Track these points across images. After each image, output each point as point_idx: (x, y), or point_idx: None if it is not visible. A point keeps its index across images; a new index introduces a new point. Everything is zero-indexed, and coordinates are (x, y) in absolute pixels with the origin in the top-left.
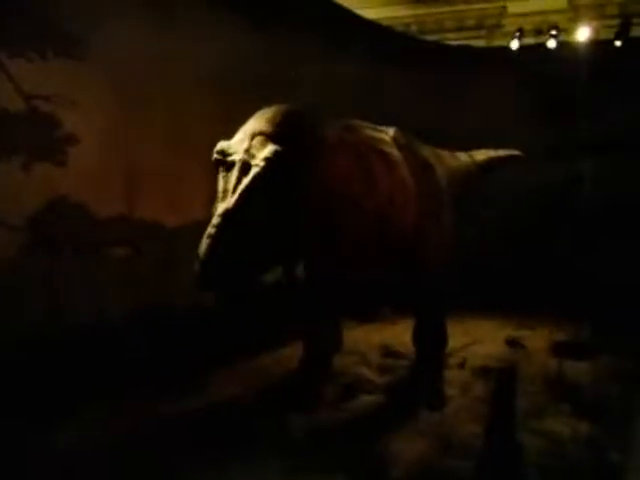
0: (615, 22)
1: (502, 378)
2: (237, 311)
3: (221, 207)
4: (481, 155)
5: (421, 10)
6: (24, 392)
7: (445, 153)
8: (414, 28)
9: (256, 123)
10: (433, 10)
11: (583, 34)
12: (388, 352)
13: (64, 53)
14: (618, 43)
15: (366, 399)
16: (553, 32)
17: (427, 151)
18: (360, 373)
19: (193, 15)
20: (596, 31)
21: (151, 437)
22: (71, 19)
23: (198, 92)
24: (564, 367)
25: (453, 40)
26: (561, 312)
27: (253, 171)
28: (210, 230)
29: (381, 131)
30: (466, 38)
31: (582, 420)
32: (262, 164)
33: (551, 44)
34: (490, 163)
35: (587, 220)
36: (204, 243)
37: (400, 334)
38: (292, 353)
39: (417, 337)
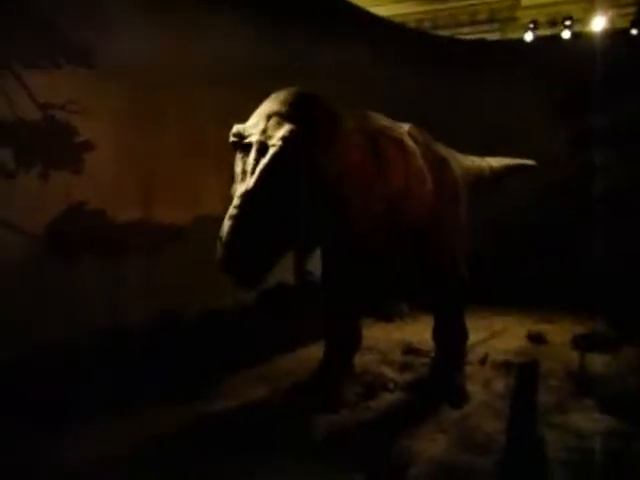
0: (630, 11)
1: (523, 373)
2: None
3: (241, 188)
4: (496, 162)
5: (434, 6)
6: (42, 398)
7: (459, 154)
8: (427, 24)
9: (271, 105)
10: (446, 5)
11: (598, 24)
12: (408, 349)
13: (77, 61)
14: (634, 32)
15: (387, 397)
16: (567, 23)
17: (442, 148)
18: (381, 371)
19: (208, 19)
20: (611, 20)
21: (173, 441)
22: (84, 27)
23: (213, 96)
24: (586, 361)
25: (467, 34)
26: (581, 305)
27: (271, 151)
28: (232, 211)
29: (397, 124)
30: (480, 32)
31: (605, 414)
32: (279, 143)
33: (566, 35)
34: (504, 170)
35: (605, 212)
36: (226, 225)
37: (420, 331)
38: (314, 353)
39: (437, 333)
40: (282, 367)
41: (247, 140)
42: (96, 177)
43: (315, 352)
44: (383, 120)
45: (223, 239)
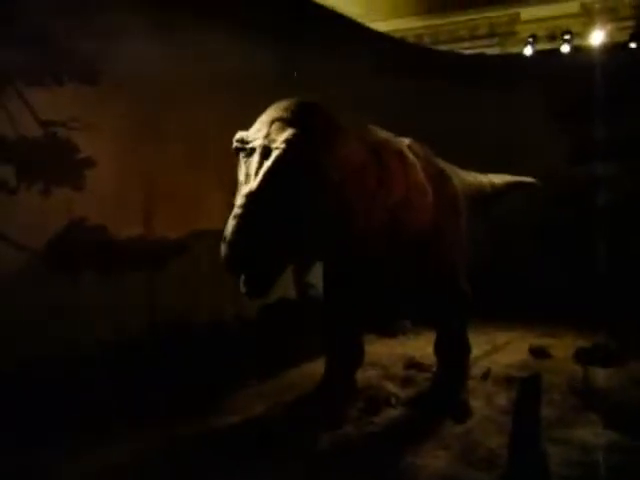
0: (629, 24)
1: (526, 387)
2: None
3: (245, 189)
4: (498, 178)
5: (433, 21)
6: (48, 412)
7: (459, 169)
8: (427, 39)
9: (273, 112)
10: (445, 20)
11: (597, 38)
12: (411, 364)
13: (79, 78)
14: (633, 45)
15: (390, 412)
16: (566, 37)
17: (442, 162)
18: (383, 386)
19: (208, 36)
20: (610, 34)
21: (176, 455)
22: (86, 45)
23: (215, 112)
24: (589, 374)
25: (467, 49)
26: (584, 319)
27: (274, 154)
28: (236, 211)
29: (397, 138)
30: (480, 47)
31: (608, 428)
32: (282, 146)
33: (565, 49)
34: (505, 187)
35: (608, 224)
36: (230, 224)
37: (422, 346)
38: (317, 368)
39: (439, 348)
40: (285, 381)
41: (250, 145)
42: (97, 193)
43: (318, 366)
44: (384, 133)
45: (227, 238)
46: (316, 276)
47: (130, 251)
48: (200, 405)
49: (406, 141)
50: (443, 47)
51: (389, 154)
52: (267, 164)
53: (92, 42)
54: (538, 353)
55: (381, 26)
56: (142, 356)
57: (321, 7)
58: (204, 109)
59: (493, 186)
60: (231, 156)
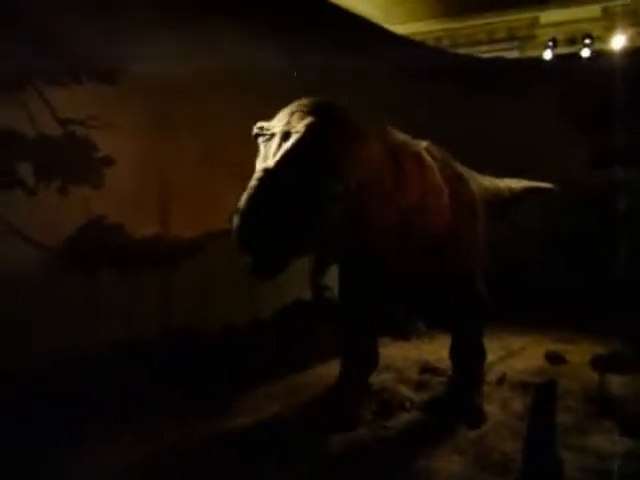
0: None
1: (541, 393)
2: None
3: (263, 165)
4: (516, 183)
5: (452, 24)
6: (65, 411)
7: (476, 173)
8: (446, 42)
9: (294, 106)
10: (464, 24)
11: (618, 42)
12: (426, 368)
13: (97, 77)
14: None
15: (404, 416)
16: (587, 41)
17: (459, 166)
18: (397, 390)
19: (226, 36)
20: (631, 39)
21: (187, 456)
22: (105, 44)
23: (233, 112)
24: (606, 381)
25: (486, 52)
26: (601, 325)
27: (294, 137)
28: (251, 183)
29: (415, 141)
30: (499, 50)
31: (624, 435)
32: (302, 129)
33: (585, 53)
34: (523, 192)
35: (627, 229)
36: (245, 195)
37: (437, 350)
38: (331, 370)
39: (454, 353)
40: (299, 383)
41: (271, 131)
42: (115, 192)
43: (333, 368)
44: (402, 136)
45: (240, 208)
46: (332, 278)
47: (146, 250)
48: (212, 406)
49: (424, 144)
50: (462, 50)
51: (406, 156)
52: (286, 146)
53: (110, 41)
54: (554, 359)
55: (400, 29)
56: (155, 356)
57: (339, 9)
58: (222, 108)
59: (511, 191)
60: (248, 156)
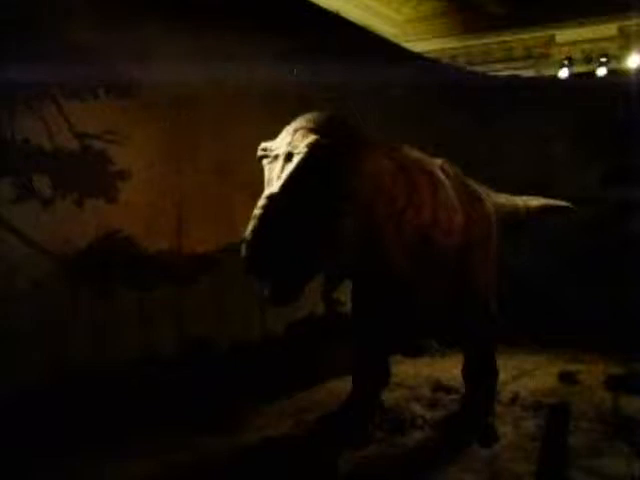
0: None
1: (554, 414)
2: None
3: (267, 191)
4: (535, 201)
5: (468, 42)
6: (71, 428)
7: (491, 191)
8: (461, 60)
9: (298, 122)
10: (480, 41)
11: (634, 61)
12: (438, 386)
13: (115, 92)
14: None
15: (415, 434)
16: (603, 60)
17: (473, 183)
18: (409, 408)
19: (242, 52)
20: None
21: (197, 472)
22: (121, 58)
23: (247, 125)
24: (619, 402)
25: (501, 70)
26: (615, 345)
27: (296, 158)
28: (256, 212)
29: (429, 158)
30: (514, 68)
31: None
32: (304, 150)
33: (601, 72)
34: (542, 210)
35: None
36: (250, 224)
37: (450, 368)
38: (343, 386)
39: (467, 371)
40: (310, 399)
41: (274, 153)
42: (131, 205)
43: (345, 385)
44: (416, 153)
45: (246, 239)
46: (345, 293)
47: (160, 265)
48: (224, 422)
49: (439, 161)
50: (478, 68)
51: (419, 173)
52: (289, 168)
53: (128, 56)
54: (567, 379)
55: (417, 47)
56: (167, 370)
57: (355, 26)
58: (239, 123)
59: (529, 208)
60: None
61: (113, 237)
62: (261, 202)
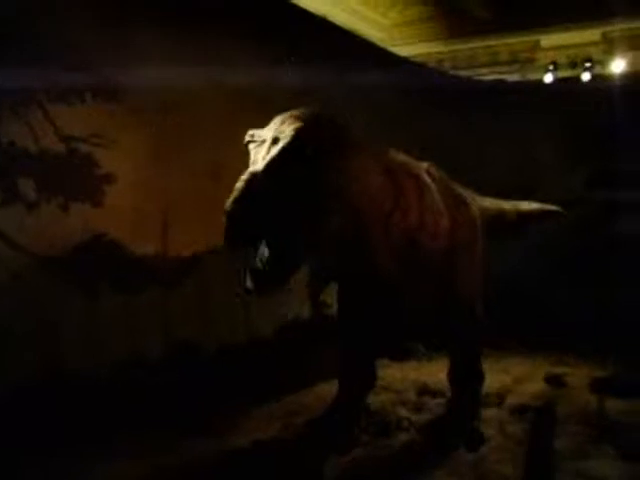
0: None
1: (540, 417)
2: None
3: (251, 168)
4: (525, 205)
5: (454, 46)
6: (59, 429)
7: (477, 195)
8: (447, 64)
9: (285, 115)
10: (466, 46)
11: (618, 66)
12: (424, 390)
13: (101, 95)
14: None
15: (401, 438)
16: (587, 64)
17: (459, 187)
18: (395, 411)
19: (231, 57)
20: (631, 63)
21: (184, 476)
22: (107, 62)
23: (234, 132)
24: (605, 405)
25: (487, 75)
26: (601, 348)
27: (282, 141)
28: (238, 185)
29: (415, 162)
30: (500, 73)
31: (625, 460)
32: (291, 133)
33: (585, 76)
34: (534, 214)
35: (626, 254)
36: (232, 196)
37: (436, 371)
38: (330, 389)
39: (453, 375)
40: (298, 403)
41: (261, 138)
42: (116, 209)
43: (333, 388)
44: (401, 156)
45: (227, 209)
46: (331, 295)
47: (146, 268)
48: (212, 425)
49: (425, 165)
50: (463, 73)
51: (405, 176)
52: (274, 150)
53: (114, 60)
54: (553, 382)
55: (403, 51)
56: (153, 374)
57: (341, 30)
58: (224, 127)
59: (520, 212)
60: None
61: (99, 240)
62: (244, 176)
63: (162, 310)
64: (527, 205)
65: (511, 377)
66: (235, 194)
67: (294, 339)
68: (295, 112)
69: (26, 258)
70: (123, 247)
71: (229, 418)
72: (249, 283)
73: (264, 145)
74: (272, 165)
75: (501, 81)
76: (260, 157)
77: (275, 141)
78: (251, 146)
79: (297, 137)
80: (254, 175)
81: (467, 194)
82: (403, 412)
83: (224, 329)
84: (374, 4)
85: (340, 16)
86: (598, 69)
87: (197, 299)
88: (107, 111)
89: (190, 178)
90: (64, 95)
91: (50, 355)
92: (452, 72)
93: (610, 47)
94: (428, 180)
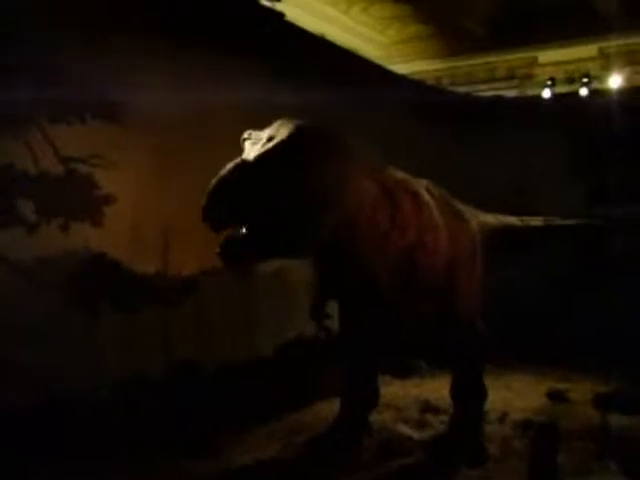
0: None
1: (543, 433)
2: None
3: (242, 156)
4: (535, 221)
5: (452, 63)
6: (58, 451)
7: (478, 211)
8: (445, 81)
9: (285, 120)
10: (464, 62)
11: (615, 81)
12: (427, 407)
13: (101, 116)
14: None
15: (404, 456)
16: (585, 80)
17: (458, 203)
18: (398, 429)
19: (229, 79)
20: (628, 78)
21: None
22: (107, 84)
23: (232, 151)
24: (608, 421)
25: (485, 91)
26: (603, 364)
27: (277, 139)
28: (222, 171)
29: (414, 179)
30: (498, 89)
31: (628, 476)
32: (287, 133)
33: (583, 92)
34: (544, 230)
35: (623, 267)
36: (214, 180)
37: (439, 388)
38: (332, 407)
39: (455, 391)
40: (300, 422)
41: (258, 137)
42: (116, 229)
43: (334, 407)
44: (400, 174)
45: (208, 190)
46: (333, 315)
47: (146, 288)
48: (212, 445)
49: (424, 182)
50: (461, 89)
51: (403, 194)
52: (267, 146)
53: (114, 81)
54: (556, 397)
55: (401, 68)
56: (155, 393)
57: (340, 48)
58: (223, 145)
59: (523, 227)
60: None
61: (99, 261)
62: (230, 165)
63: (162, 329)
64: (537, 221)
65: (513, 393)
66: (217, 177)
67: (295, 357)
68: (296, 120)
69: (26, 279)
70: (123, 267)
71: (230, 437)
72: (219, 249)
73: (259, 142)
74: (263, 156)
75: (499, 97)
76: (253, 150)
77: (270, 139)
78: (247, 143)
79: (293, 136)
80: (243, 161)
81: (467, 210)
82: (405, 430)
83: (224, 348)
84: (372, 22)
85: (339, 35)
86: (596, 84)
87: (197, 318)
88: (107, 131)
89: (189, 198)
90: (64, 116)
91: (48, 375)
92: (450, 89)
93: (607, 63)
94: (427, 197)
